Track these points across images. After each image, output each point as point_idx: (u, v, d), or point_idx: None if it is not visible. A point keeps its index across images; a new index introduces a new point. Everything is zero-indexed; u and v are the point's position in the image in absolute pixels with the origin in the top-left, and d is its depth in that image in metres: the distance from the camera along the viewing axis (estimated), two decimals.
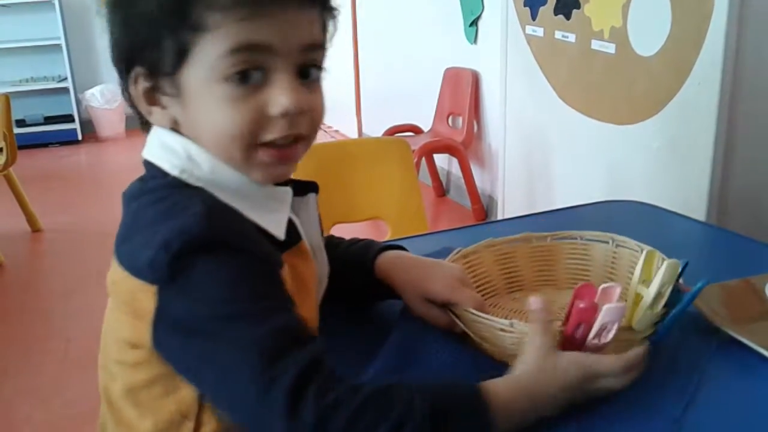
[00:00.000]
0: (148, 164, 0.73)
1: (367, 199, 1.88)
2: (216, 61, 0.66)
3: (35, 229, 3.34)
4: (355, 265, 0.90)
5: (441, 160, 3.61)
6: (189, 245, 0.63)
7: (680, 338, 0.87)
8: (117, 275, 0.69)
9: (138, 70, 0.70)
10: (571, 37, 2.08)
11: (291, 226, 0.75)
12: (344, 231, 1.94)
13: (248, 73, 0.67)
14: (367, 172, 1.83)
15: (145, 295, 0.65)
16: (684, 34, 1.69)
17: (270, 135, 0.69)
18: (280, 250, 0.71)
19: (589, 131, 2.06)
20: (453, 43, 3.35)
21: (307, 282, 0.78)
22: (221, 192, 0.69)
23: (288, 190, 0.76)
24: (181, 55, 0.67)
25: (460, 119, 3.34)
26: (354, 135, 4.68)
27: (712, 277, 1.00)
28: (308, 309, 0.76)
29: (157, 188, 0.70)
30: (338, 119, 5.04)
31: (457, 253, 0.96)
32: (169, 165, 0.70)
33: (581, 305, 0.73)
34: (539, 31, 2.22)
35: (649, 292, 0.77)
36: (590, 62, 2.01)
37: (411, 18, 3.80)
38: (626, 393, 0.74)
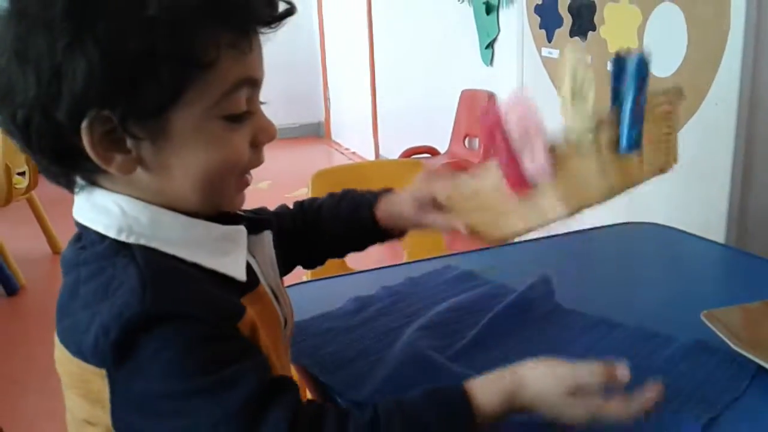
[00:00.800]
0: (81, 227, 0.68)
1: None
2: (218, 99, 0.63)
3: (56, 251, 3.37)
4: (355, 212, 0.91)
5: None
6: (128, 328, 0.59)
7: (701, 363, 0.87)
8: (61, 354, 0.66)
9: (97, 113, 0.60)
10: (588, 59, 2.08)
11: (248, 269, 0.72)
12: (361, 255, 1.95)
13: (247, 111, 0.67)
14: None
15: (96, 378, 0.63)
16: (700, 55, 1.69)
17: (252, 165, 0.70)
18: (239, 295, 0.68)
19: None
20: (469, 65, 3.37)
21: (272, 327, 0.75)
22: (166, 244, 0.65)
23: (242, 229, 0.73)
24: (174, 93, 0.61)
25: (477, 141, 3.35)
26: (371, 156, 4.70)
27: (733, 300, 1.00)
28: (277, 355, 0.74)
29: (91, 259, 0.65)
30: (355, 141, 5.06)
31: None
32: (104, 226, 0.65)
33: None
34: (555, 53, 2.23)
35: (564, 86, 0.69)
36: (606, 84, 2.01)
37: (427, 40, 3.82)
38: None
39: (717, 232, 1.66)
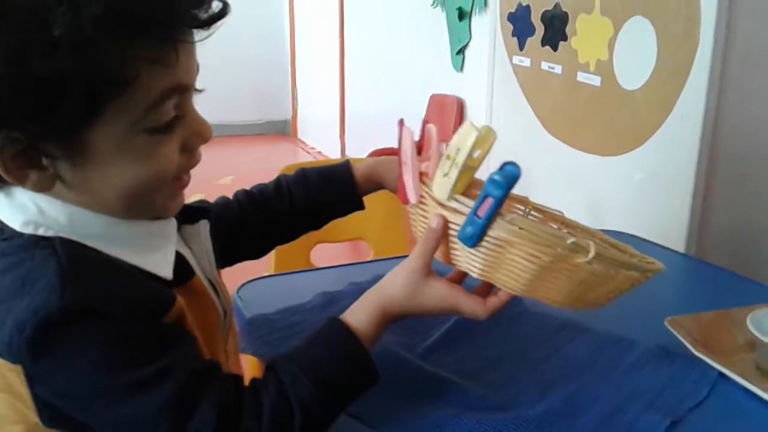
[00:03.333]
0: (1, 224, 0.65)
1: (350, 219, 1.87)
2: (141, 115, 0.59)
3: None
4: (332, 180, 0.93)
5: None
6: (44, 325, 0.57)
7: (664, 368, 0.88)
8: None
9: (6, 134, 0.57)
10: (558, 69, 2.11)
11: (181, 261, 0.70)
12: (326, 252, 1.95)
13: (176, 117, 0.63)
14: None
15: (13, 374, 0.60)
16: (669, 69, 1.72)
17: (186, 169, 0.68)
18: (169, 288, 0.66)
19: (572, 161, 2.09)
20: (439, 69, 3.38)
21: (209, 320, 0.73)
22: (88, 241, 0.63)
23: (171, 222, 0.71)
24: (89, 113, 0.57)
25: (444, 145, 3.35)
26: (337, 156, 4.68)
27: (694, 308, 1.01)
28: (214, 349, 0.73)
29: (9, 251, 0.62)
30: (321, 140, 5.04)
31: None
32: (20, 224, 0.62)
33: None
34: (526, 62, 2.25)
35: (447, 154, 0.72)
36: (576, 94, 2.04)
37: (398, 43, 3.83)
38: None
39: (677, 244, 1.70)
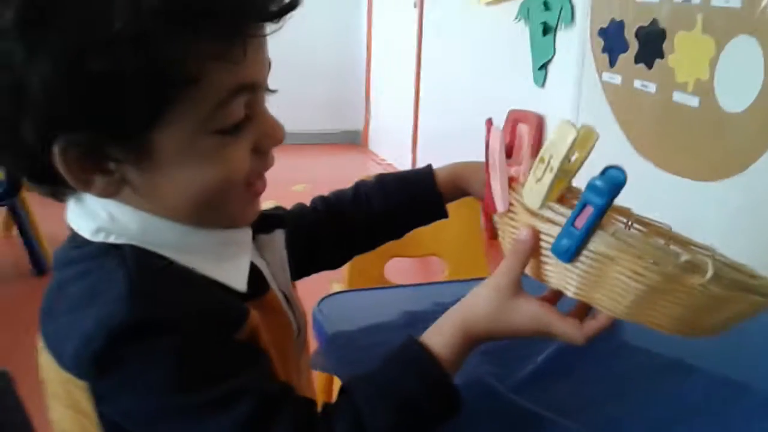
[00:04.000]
0: (73, 232, 0.63)
1: (427, 234, 1.82)
2: (208, 114, 0.56)
3: None
4: (413, 185, 0.88)
5: None
6: (113, 338, 0.54)
7: None
8: (45, 359, 0.61)
9: (68, 136, 0.54)
10: (652, 87, 2.01)
11: (255, 273, 0.66)
12: (399, 266, 1.90)
13: (246, 118, 0.59)
14: None
15: (79, 391, 0.58)
16: None
17: (259, 172, 0.63)
18: (243, 300, 0.63)
19: (663, 185, 1.98)
20: (519, 84, 3.31)
21: (282, 337, 0.69)
22: (160, 249, 0.60)
23: (246, 231, 0.67)
24: (152, 114, 0.55)
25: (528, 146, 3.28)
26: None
27: None
28: (287, 367, 0.69)
29: (79, 259, 0.60)
30: (392, 153, 5.02)
31: None
32: (91, 232, 0.60)
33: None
34: (617, 79, 2.16)
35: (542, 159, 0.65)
36: (670, 114, 1.94)
37: (478, 57, 3.77)
38: None
39: None
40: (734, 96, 1.73)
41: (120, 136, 0.55)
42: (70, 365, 0.57)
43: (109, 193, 0.58)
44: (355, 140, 5.61)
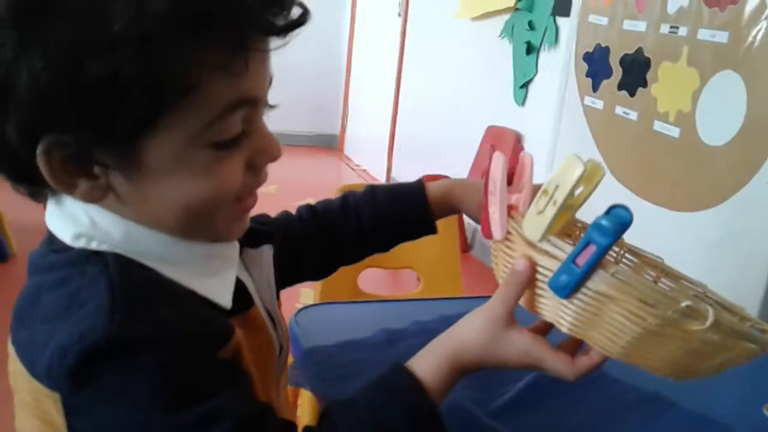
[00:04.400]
0: (51, 234, 0.60)
1: (403, 247, 1.81)
2: (203, 126, 0.54)
3: None
4: (403, 199, 0.86)
5: None
6: (89, 354, 0.50)
7: None
8: (15, 366, 0.58)
9: (55, 138, 0.51)
10: (633, 115, 2.03)
11: (240, 288, 0.64)
12: (373, 278, 1.88)
13: (243, 132, 0.57)
14: None
15: (50, 402, 0.54)
16: (757, 129, 1.64)
17: (251, 189, 0.61)
18: (226, 317, 0.60)
19: (640, 213, 1.96)
20: (499, 101, 3.32)
21: (264, 356, 0.67)
22: (143, 258, 0.57)
23: (233, 245, 0.65)
24: (146, 121, 0.52)
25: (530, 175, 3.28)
26: (382, 177, 4.64)
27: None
28: (267, 387, 0.67)
29: (58, 265, 0.57)
30: (367, 159, 5.00)
31: None
32: (71, 237, 0.57)
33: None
34: (599, 104, 2.17)
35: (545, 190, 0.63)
36: (651, 143, 1.95)
37: (459, 71, 3.78)
38: None
39: (751, 309, 1.59)
40: (715, 129, 1.75)
41: (109, 142, 0.52)
42: (42, 375, 0.53)
43: (93, 198, 0.55)
44: (331, 144, 5.58)
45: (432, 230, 0.89)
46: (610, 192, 2.10)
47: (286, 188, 3.54)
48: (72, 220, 0.57)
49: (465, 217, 3.57)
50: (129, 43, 0.48)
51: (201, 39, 0.50)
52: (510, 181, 0.69)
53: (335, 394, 0.84)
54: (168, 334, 0.53)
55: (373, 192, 0.88)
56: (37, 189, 0.58)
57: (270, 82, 0.60)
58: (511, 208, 0.67)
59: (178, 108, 0.52)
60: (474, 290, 1.98)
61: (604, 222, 0.58)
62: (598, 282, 0.59)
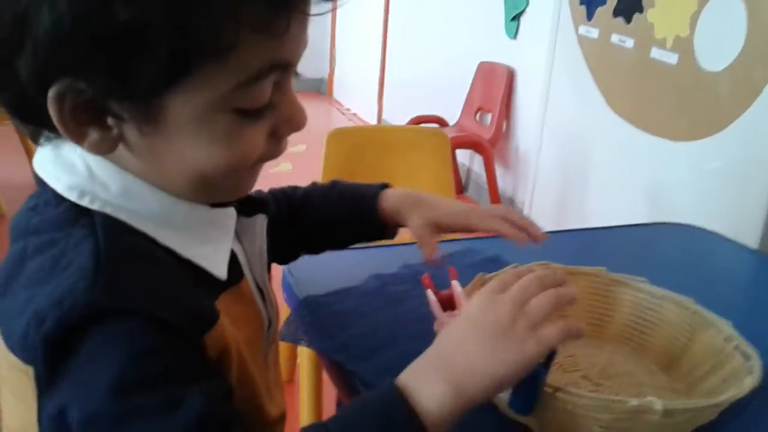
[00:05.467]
0: (40, 182, 0.55)
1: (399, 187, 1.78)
2: (233, 89, 0.50)
3: None
4: (354, 203, 0.84)
5: (463, 155, 3.50)
6: (67, 320, 0.47)
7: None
8: None
9: (69, 84, 0.48)
10: (629, 42, 1.96)
11: (231, 259, 0.60)
12: None
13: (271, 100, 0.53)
14: (401, 160, 1.74)
15: (22, 376, 0.50)
16: (758, 52, 1.58)
17: (267, 158, 0.57)
18: (218, 291, 0.57)
19: (636, 144, 1.95)
20: (490, 36, 3.23)
21: (251, 331, 0.62)
22: (137, 218, 0.53)
23: (231, 212, 0.61)
24: (171, 76, 0.48)
25: (489, 116, 3.22)
26: (373, 120, 4.57)
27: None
28: (254, 362, 0.62)
29: (43, 228, 0.53)
30: (358, 102, 4.93)
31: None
32: (64, 186, 0.53)
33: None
34: (594, 33, 2.10)
35: None
36: (647, 71, 1.90)
37: (448, 6, 3.68)
38: None
39: (750, 239, 1.57)
40: (715, 54, 1.70)
41: (128, 94, 0.48)
42: (17, 346, 0.50)
43: (102, 150, 0.51)
44: (319, 88, 5.49)
45: (387, 236, 0.87)
46: (607, 123, 2.05)
47: None
48: (67, 168, 0.54)
49: (458, 157, 3.52)
50: None
51: None
52: (454, 306, 0.71)
53: (332, 345, 0.82)
54: (150, 307, 0.49)
55: (332, 189, 0.87)
56: (40, 130, 0.53)
57: (305, 46, 0.55)
58: None
59: (208, 67, 0.48)
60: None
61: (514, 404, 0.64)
62: (549, 410, 0.64)
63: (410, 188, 0.87)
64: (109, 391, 0.47)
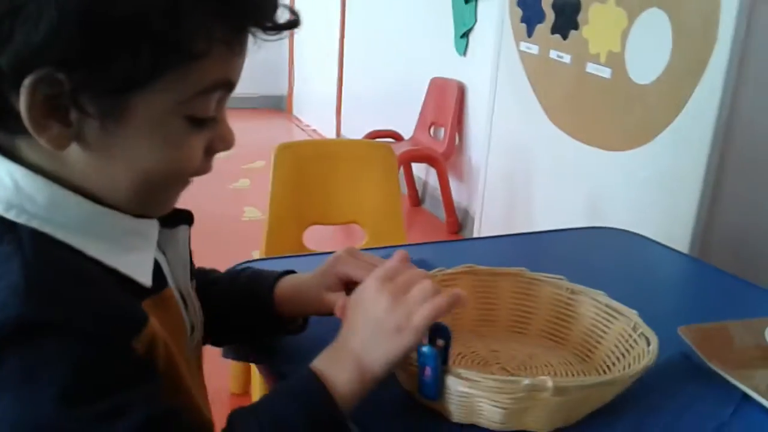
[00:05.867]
0: None
1: (346, 202, 1.83)
2: (189, 97, 0.55)
3: None
4: (251, 294, 0.81)
5: (418, 169, 3.57)
6: (1, 335, 0.48)
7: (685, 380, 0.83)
8: None
9: (47, 74, 0.50)
10: (567, 58, 2.05)
11: (155, 268, 0.63)
12: (319, 234, 1.89)
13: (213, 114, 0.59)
14: (348, 174, 1.78)
15: None
16: (683, 65, 1.67)
17: (199, 173, 0.62)
18: (140, 298, 0.59)
19: (575, 154, 2.03)
20: (441, 53, 3.32)
21: (176, 336, 0.66)
22: (62, 230, 0.55)
23: (153, 223, 0.63)
24: (147, 75, 0.53)
25: (443, 130, 3.30)
26: (332, 135, 4.62)
27: (701, 312, 0.97)
28: (179, 362, 0.65)
29: None
30: (316, 118, 4.98)
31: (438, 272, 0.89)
32: None
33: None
34: (534, 49, 2.19)
35: None
36: (584, 85, 1.98)
37: (401, 24, 3.76)
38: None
39: (681, 243, 1.65)
40: (644, 68, 1.79)
41: (103, 88, 0.52)
42: None
43: (58, 145, 0.54)
44: (279, 106, 5.53)
45: (280, 328, 0.83)
46: (548, 135, 2.13)
47: (239, 151, 3.50)
48: None
49: (414, 170, 3.59)
50: None
51: (219, 11, 0.54)
52: None
53: (265, 353, 0.85)
54: (81, 320, 0.51)
55: (244, 271, 0.85)
56: None
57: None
58: None
59: (176, 72, 0.54)
60: (424, 240, 1.99)
61: (425, 350, 0.67)
62: (454, 384, 0.68)
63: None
64: (53, 405, 0.49)
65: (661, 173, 1.77)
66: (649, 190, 1.81)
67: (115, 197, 0.58)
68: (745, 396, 0.80)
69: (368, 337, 0.65)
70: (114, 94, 0.53)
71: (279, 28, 0.59)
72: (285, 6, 0.59)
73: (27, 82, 0.50)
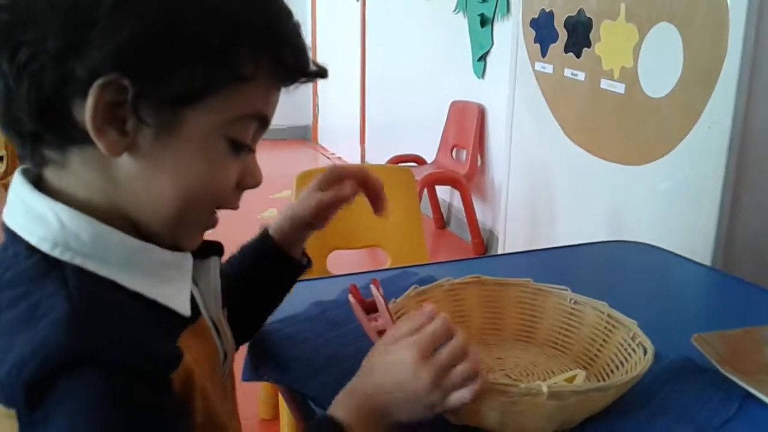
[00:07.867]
0: (10, 234, 0.58)
1: (368, 226, 1.85)
2: (234, 118, 0.60)
3: None
4: (251, 252, 0.89)
5: (443, 192, 3.59)
6: (46, 366, 0.50)
7: (690, 382, 0.84)
8: None
9: (115, 79, 0.54)
10: (581, 75, 2.07)
11: (190, 299, 0.65)
12: (342, 259, 1.92)
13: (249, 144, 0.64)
14: None
15: (3, 419, 0.53)
16: (695, 77, 1.68)
17: (229, 204, 0.65)
18: (179, 329, 0.62)
19: (594, 170, 2.05)
20: (460, 76, 3.36)
21: (210, 363, 0.68)
22: (105, 266, 0.57)
23: (187, 255, 0.66)
24: (199, 92, 0.57)
25: (465, 152, 3.33)
26: (357, 162, 4.67)
27: (719, 323, 0.98)
28: (215, 394, 0.67)
29: (16, 281, 0.56)
30: (342, 146, 5.04)
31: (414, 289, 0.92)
32: (37, 239, 0.56)
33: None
34: (549, 68, 2.21)
35: None
36: (599, 101, 2.00)
37: (420, 50, 3.81)
38: None
39: (703, 256, 1.65)
40: (657, 81, 1.80)
41: (161, 99, 0.56)
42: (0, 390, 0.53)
43: (114, 150, 0.57)
44: (305, 135, 5.61)
45: (294, 263, 0.91)
46: (566, 152, 2.15)
47: (266, 181, 3.55)
48: (38, 220, 0.57)
49: (438, 193, 3.61)
50: (222, 19, 0.57)
51: (269, 46, 0.60)
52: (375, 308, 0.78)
53: (279, 371, 0.88)
54: (122, 355, 0.53)
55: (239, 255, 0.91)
56: (40, 138, 0.58)
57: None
58: (380, 333, 0.75)
59: (225, 92, 0.58)
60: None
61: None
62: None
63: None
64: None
65: (679, 185, 1.77)
66: (668, 203, 1.81)
67: (153, 219, 0.61)
68: (746, 398, 0.81)
69: (400, 401, 0.68)
70: (171, 106, 0.57)
71: (309, 75, 0.65)
72: (313, 61, 0.65)
73: (96, 84, 0.54)
